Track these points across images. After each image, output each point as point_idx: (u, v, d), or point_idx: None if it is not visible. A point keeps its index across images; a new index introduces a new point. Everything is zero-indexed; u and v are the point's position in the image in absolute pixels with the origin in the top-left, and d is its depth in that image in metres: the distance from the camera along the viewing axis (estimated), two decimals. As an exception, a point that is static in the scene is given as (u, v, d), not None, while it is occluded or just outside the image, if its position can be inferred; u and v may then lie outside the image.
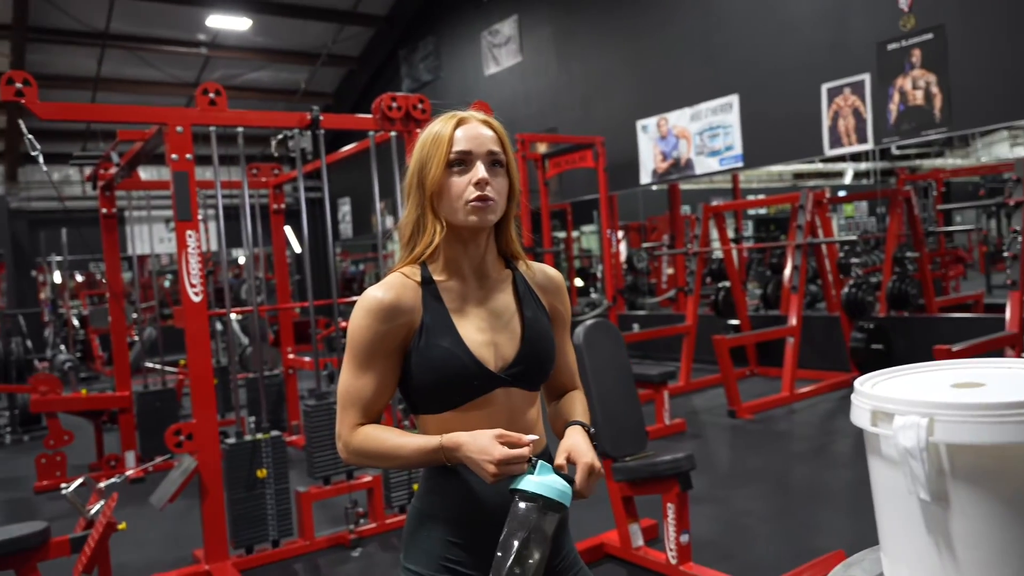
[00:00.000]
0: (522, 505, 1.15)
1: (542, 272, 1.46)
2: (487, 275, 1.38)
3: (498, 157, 1.32)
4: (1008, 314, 5.23)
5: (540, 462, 1.18)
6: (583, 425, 1.36)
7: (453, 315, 1.33)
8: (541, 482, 1.15)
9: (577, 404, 1.46)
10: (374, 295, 1.31)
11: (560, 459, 1.25)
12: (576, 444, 1.29)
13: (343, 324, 6.58)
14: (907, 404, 0.91)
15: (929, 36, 6.10)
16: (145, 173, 10.84)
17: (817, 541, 3.48)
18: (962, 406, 0.87)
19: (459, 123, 1.32)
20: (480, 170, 1.29)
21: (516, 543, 1.12)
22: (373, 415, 1.34)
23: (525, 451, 1.18)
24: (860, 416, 0.98)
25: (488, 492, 1.28)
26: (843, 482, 4.27)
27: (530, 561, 1.12)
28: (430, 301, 1.33)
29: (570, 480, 1.20)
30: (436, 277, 1.35)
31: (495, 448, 1.17)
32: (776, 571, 3.00)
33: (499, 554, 1.14)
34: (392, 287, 1.32)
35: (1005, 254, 5.56)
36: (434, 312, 1.32)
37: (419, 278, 1.34)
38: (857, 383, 1.03)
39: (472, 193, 1.28)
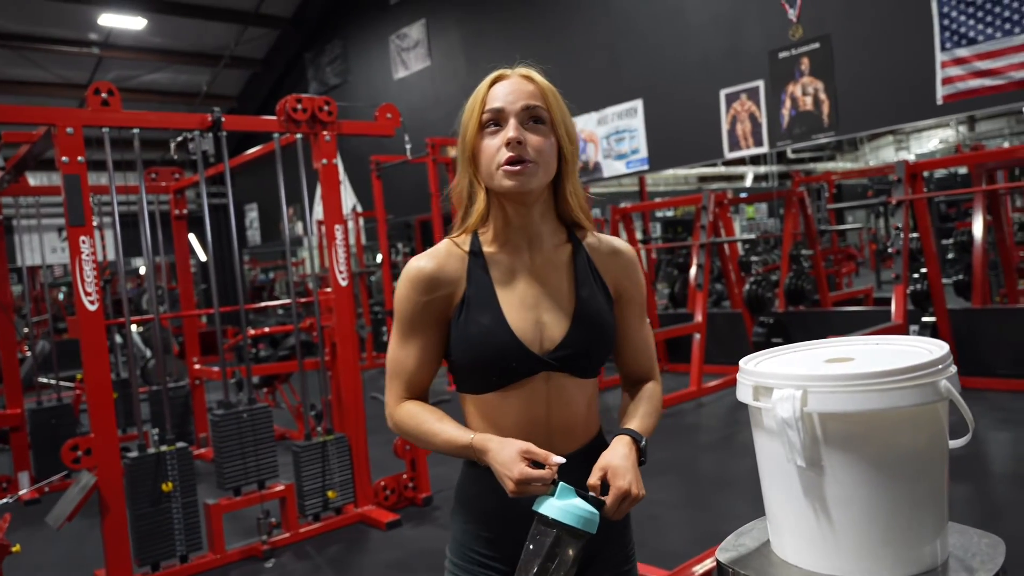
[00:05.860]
0: (541, 529, 1.08)
1: (609, 246, 1.32)
2: (541, 246, 1.26)
3: (537, 112, 1.20)
4: (893, 306, 5.58)
5: (562, 485, 1.09)
6: (633, 435, 1.22)
7: (499, 290, 1.23)
8: (562, 507, 1.07)
9: (643, 405, 1.32)
10: (416, 264, 1.24)
11: (593, 477, 1.15)
12: (614, 463, 1.15)
13: (251, 333, 6.41)
14: (783, 378, 0.98)
15: (816, 45, 6.45)
16: (34, 179, 10.26)
17: (724, 526, 3.61)
18: (831, 378, 0.95)
19: (496, 80, 1.23)
20: (511, 129, 1.17)
21: (535, 568, 1.07)
22: (419, 387, 1.27)
23: (547, 473, 1.09)
24: (744, 392, 1.05)
25: None
26: (748, 469, 4.44)
27: None
28: (476, 273, 1.23)
29: (599, 503, 1.10)
30: (486, 248, 1.26)
31: (516, 466, 1.09)
32: (686, 556, 3.12)
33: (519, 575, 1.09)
34: (436, 256, 1.25)
35: (890, 250, 5.94)
36: (479, 285, 1.23)
37: (468, 247, 1.25)
38: (742, 363, 1.10)
39: (504, 155, 1.17)
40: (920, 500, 0.99)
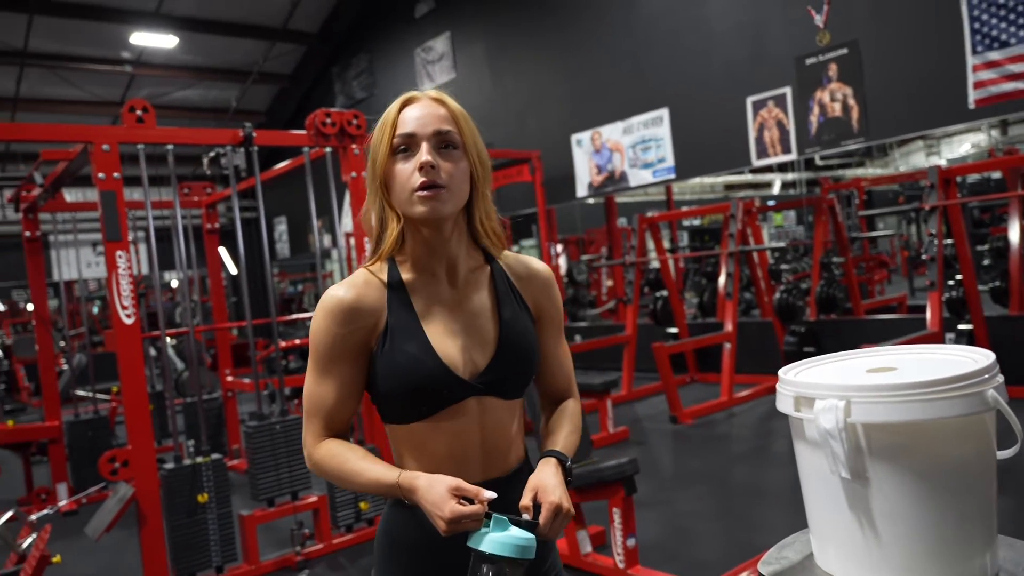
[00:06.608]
0: (480, 566, 1.07)
1: (525, 266, 1.32)
2: (459, 270, 1.25)
3: (449, 137, 1.18)
4: (929, 314, 5.49)
5: (495, 516, 1.09)
6: (558, 456, 1.23)
7: (421, 317, 1.21)
8: (497, 540, 1.07)
9: (564, 424, 1.32)
10: (334, 295, 1.19)
11: (526, 499, 1.15)
12: (544, 481, 1.17)
13: (283, 345, 6.47)
14: (826, 388, 0.97)
15: (844, 51, 6.39)
16: (70, 195, 10.48)
17: (758, 538, 3.59)
18: (875, 388, 0.94)
19: (405, 103, 1.21)
20: (423, 153, 1.16)
21: None
22: (339, 424, 1.23)
23: (479, 509, 1.08)
24: (784, 403, 1.04)
25: None
26: (781, 480, 4.40)
27: None
28: (397, 301, 1.21)
29: (533, 525, 1.11)
30: (404, 275, 1.23)
31: (447, 505, 1.07)
32: (720, 569, 3.08)
33: None
34: (355, 286, 1.21)
35: (923, 257, 5.84)
36: (400, 313, 1.20)
37: (385, 276, 1.22)
38: (781, 372, 1.09)
39: (417, 179, 1.15)
40: (968, 512, 0.97)
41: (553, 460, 1.22)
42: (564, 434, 1.30)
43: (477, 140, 1.23)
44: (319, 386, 1.21)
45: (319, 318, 1.20)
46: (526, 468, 1.28)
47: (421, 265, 1.23)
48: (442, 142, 1.18)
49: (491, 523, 1.09)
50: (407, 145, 1.18)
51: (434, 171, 1.16)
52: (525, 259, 1.33)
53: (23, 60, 11.07)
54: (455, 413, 1.20)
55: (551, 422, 1.34)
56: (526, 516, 1.14)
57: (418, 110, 1.19)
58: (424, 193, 1.15)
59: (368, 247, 1.28)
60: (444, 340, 1.21)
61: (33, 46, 10.94)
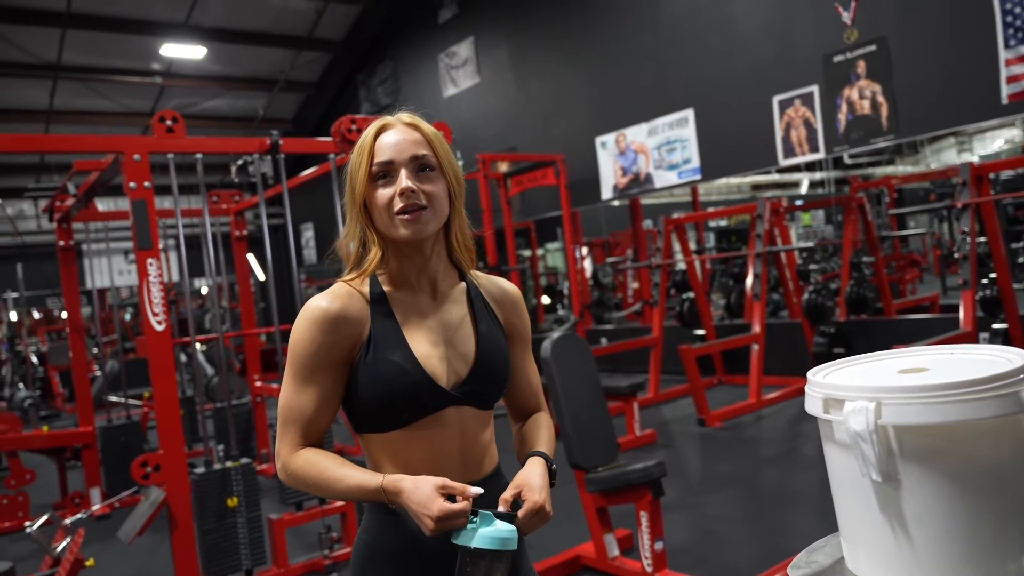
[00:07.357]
0: (468, 560, 1.10)
1: (497, 286, 1.39)
2: (439, 286, 1.30)
3: (426, 160, 1.23)
4: (962, 313, 5.39)
5: (482, 512, 1.12)
6: (545, 457, 1.29)
7: (404, 328, 1.25)
8: (484, 535, 1.10)
9: (542, 430, 1.38)
10: (318, 304, 1.22)
11: (509, 493, 1.20)
12: (529, 479, 1.22)
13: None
14: (856, 390, 0.95)
15: (872, 47, 6.30)
16: (102, 204, 10.66)
17: (788, 542, 3.54)
18: (907, 389, 0.92)
19: (380, 131, 1.25)
20: (403, 179, 1.20)
21: None
22: (315, 434, 1.24)
23: (466, 506, 1.11)
24: (813, 405, 1.02)
25: None
26: (811, 483, 4.34)
27: None
28: (380, 312, 1.24)
29: (512, 517, 1.15)
30: (386, 287, 1.27)
31: (434, 503, 1.10)
32: (749, 572, 3.05)
33: None
34: (338, 296, 1.23)
35: (956, 255, 5.74)
36: (383, 324, 1.23)
37: (367, 289, 1.26)
38: (810, 374, 1.07)
39: (398, 204, 1.20)
40: (1004, 514, 0.95)
41: (541, 460, 1.27)
42: (545, 439, 1.35)
43: (452, 159, 1.27)
44: (299, 395, 1.23)
45: (302, 327, 1.22)
46: (499, 473, 1.33)
47: (402, 280, 1.28)
48: (419, 166, 1.23)
49: (479, 518, 1.12)
50: (386, 172, 1.22)
51: (415, 195, 1.20)
52: (497, 280, 1.40)
53: (56, 73, 11.31)
54: (434, 422, 1.23)
55: (526, 430, 1.40)
56: (502, 508, 1.17)
57: (394, 136, 1.23)
58: (406, 216, 1.20)
59: (346, 267, 1.31)
60: (426, 351, 1.24)
61: (66, 59, 11.17)
